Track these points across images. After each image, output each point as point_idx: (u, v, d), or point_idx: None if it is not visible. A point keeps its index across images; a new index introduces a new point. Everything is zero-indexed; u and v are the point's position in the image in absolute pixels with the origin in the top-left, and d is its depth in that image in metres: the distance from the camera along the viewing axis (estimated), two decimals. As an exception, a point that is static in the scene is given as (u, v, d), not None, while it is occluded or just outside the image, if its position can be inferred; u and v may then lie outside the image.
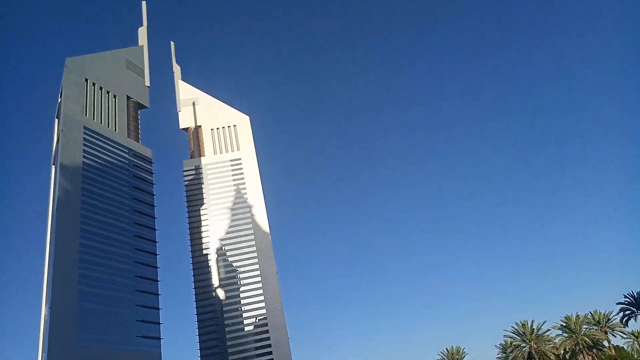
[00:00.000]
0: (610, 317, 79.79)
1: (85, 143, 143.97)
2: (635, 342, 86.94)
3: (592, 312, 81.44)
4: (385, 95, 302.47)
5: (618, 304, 74.81)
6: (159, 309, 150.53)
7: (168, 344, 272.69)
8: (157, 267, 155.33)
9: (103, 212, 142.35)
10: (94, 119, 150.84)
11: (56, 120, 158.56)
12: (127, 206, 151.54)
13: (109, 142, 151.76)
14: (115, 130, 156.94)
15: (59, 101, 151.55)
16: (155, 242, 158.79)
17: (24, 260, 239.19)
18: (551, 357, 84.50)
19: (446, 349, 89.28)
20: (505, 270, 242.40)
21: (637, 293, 73.03)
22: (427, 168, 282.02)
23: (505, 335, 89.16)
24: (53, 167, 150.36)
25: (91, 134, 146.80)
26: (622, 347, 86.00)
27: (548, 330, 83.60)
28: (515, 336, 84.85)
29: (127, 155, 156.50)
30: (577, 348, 79.59)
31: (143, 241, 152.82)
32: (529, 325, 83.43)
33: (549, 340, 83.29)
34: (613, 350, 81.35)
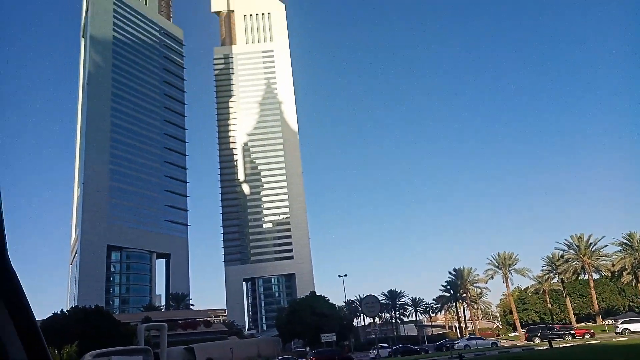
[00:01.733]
0: None
1: (116, 15, 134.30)
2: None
3: None
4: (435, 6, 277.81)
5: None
6: (186, 196, 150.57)
7: (193, 231, 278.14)
8: (185, 155, 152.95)
9: (134, 92, 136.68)
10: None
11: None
12: (157, 89, 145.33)
13: (140, 17, 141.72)
14: (146, 4, 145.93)
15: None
16: (185, 129, 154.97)
17: (53, 138, 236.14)
18: (606, 274, 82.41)
19: (498, 253, 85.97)
20: (556, 184, 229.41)
21: None
22: (480, 78, 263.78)
23: (556, 248, 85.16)
24: (82, 40, 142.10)
25: (121, 5, 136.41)
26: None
27: (605, 245, 79.74)
28: (568, 249, 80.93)
29: (157, 34, 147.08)
30: (635, 266, 76.11)
31: (172, 127, 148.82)
32: (585, 239, 79.38)
33: (605, 256, 79.66)
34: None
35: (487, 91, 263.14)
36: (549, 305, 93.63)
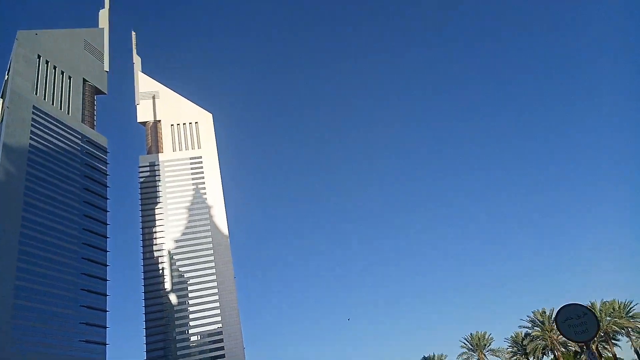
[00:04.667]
0: (630, 306, 76.23)
1: (34, 124, 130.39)
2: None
3: (609, 301, 78.06)
4: (357, 90, 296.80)
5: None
6: (106, 311, 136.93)
7: (113, 350, 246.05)
8: (106, 265, 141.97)
9: (49, 201, 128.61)
10: (45, 99, 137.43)
11: (1, 99, 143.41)
12: (76, 196, 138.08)
13: (61, 125, 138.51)
14: (69, 113, 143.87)
15: (6, 77, 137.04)
16: (106, 237, 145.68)
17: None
18: (576, 349, 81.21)
19: (470, 334, 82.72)
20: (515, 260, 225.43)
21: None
22: (401, 160, 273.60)
23: (520, 326, 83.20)
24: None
25: (41, 114, 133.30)
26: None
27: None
28: (532, 326, 79.40)
29: (79, 142, 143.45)
30: (599, 337, 75.71)
31: (92, 236, 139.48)
32: (548, 313, 78.53)
33: None
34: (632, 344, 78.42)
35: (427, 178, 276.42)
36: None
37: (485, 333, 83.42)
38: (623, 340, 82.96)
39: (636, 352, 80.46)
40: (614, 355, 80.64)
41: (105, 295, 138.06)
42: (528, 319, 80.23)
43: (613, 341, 79.47)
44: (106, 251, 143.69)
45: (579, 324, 10.03)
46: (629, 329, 76.98)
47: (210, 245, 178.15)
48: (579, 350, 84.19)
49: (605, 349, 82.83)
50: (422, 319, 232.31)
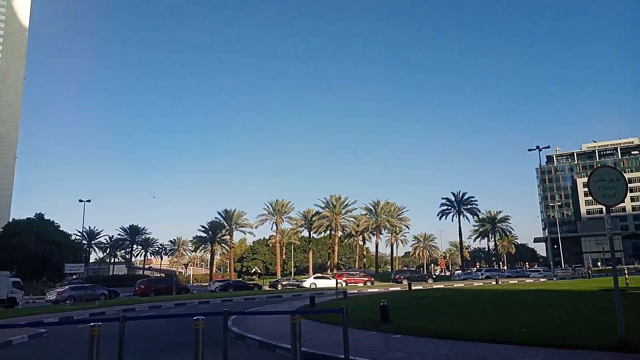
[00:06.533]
0: (402, 210, 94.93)
1: None
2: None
3: (391, 202, 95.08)
4: None
5: (443, 198, 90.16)
6: None
7: None
8: None
9: None
10: None
11: None
12: None
13: None
14: None
15: None
16: None
17: None
18: (351, 232, 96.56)
19: (276, 200, 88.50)
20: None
21: (462, 194, 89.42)
22: None
23: (315, 204, 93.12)
24: None
25: None
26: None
27: (355, 209, 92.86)
28: (325, 207, 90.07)
29: None
30: (374, 228, 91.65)
31: None
32: (342, 200, 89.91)
33: (354, 218, 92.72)
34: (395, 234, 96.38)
35: None
36: (284, 257, 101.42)
37: (288, 202, 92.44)
38: (385, 234, 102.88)
39: (391, 245, 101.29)
40: (377, 243, 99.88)
41: None
42: (324, 200, 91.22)
43: (380, 234, 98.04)
44: None
45: (610, 187, 9.92)
46: (394, 227, 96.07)
47: (2, 32, 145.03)
48: (354, 233, 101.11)
49: (371, 238, 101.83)
50: (228, 180, 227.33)
